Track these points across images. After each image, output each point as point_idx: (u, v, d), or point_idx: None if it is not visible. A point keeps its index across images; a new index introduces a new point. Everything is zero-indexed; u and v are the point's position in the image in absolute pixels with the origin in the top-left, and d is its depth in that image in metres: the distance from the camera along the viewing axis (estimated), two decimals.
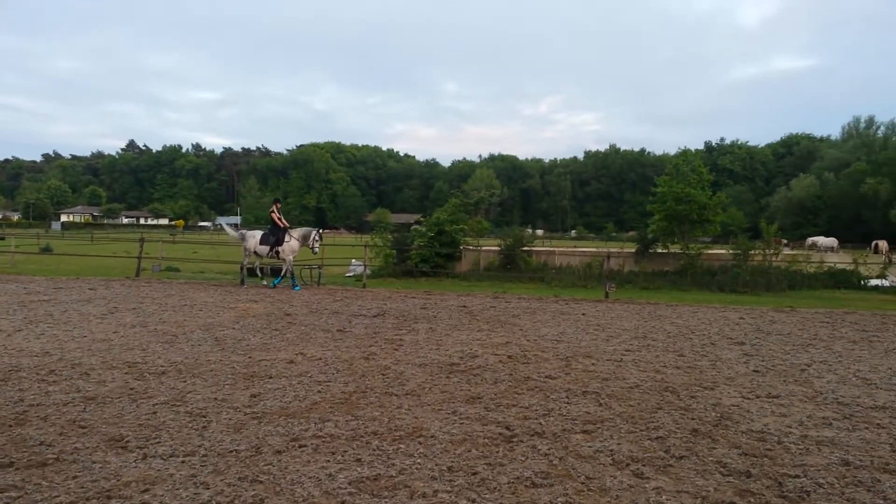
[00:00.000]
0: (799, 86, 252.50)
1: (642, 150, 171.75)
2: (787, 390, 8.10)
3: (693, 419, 6.70)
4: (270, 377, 8.21)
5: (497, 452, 5.60)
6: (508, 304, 16.79)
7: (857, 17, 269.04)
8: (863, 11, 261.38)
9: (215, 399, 7.17)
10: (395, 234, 28.37)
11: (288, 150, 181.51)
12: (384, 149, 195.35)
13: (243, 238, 21.20)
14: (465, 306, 16.11)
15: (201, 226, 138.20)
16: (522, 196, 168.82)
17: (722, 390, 8.03)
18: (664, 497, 4.71)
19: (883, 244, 48.95)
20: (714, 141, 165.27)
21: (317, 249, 21.46)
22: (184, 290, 18.46)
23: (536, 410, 6.93)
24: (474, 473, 5.10)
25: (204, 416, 6.52)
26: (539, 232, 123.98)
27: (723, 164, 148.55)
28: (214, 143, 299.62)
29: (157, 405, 6.88)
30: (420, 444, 5.79)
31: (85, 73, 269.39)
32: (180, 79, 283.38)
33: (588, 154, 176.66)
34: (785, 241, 63.52)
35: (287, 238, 20.41)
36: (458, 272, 25.57)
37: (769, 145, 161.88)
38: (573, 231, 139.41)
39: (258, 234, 21.03)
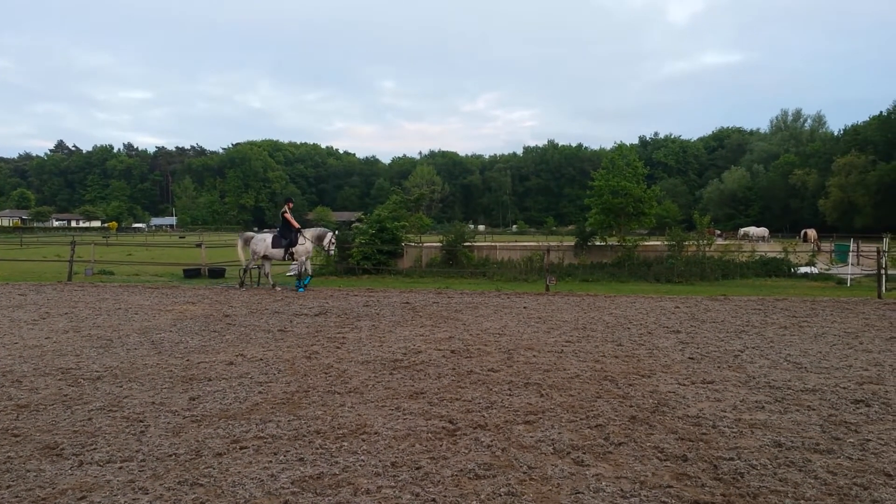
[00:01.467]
0: (728, 80, 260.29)
1: (580, 145, 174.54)
2: (721, 376, 8.34)
3: (631, 406, 6.85)
4: (210, 379, 8.07)
5: (440, 446, 5.63)
6: (451, 300, 16.85)
7: (780, 14, 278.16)
8: (785, 7, 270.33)
9: (153, 403, 7.01)
10: (336, 232, 28.16)
11: (224, 149, 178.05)
12: (323, 146, 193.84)
13: (246, 242, 20.59)
14: (407, 303, 16.10)
15: (135, 227, 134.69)
16: (464, 192, 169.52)
17: (659, 378, 8.22)
18: (604, 483, 4.80)
19: (811, 233, 50.75)
20: (648, 135, 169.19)
21: (332, 251, 21.06)
22: (118, 294, 17.98)
23: (479, 403, 6.98)
24: (418, 468, 5.12)
25: (141, 421, 6.38)
26: (481, 227, 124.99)
27: (657, 157, 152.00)
28: (147, 142, 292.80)
29: (93, 411, 6.70)
30: (363, 441, 5.77)
31: (10, 73, 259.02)
32: (110, 78, 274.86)
33: (527, 149, 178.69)
34: (718, 232, 65.41)
35: (301, 240, 19.78)
36: (400, 269, 25.57)
37: (701, 139, 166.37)
38: (514, 226, 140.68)
39: (268, 237, 20.27)
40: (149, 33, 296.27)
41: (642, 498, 4.55)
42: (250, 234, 21.52)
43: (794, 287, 20.94)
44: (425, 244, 27.68)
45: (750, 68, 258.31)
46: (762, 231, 68.42)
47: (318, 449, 5.57)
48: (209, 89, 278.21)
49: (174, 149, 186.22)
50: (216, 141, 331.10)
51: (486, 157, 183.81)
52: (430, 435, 5.92)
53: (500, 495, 4.62)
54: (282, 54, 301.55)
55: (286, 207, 20.45)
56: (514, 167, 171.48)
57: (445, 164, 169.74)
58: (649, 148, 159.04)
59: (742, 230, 70.82)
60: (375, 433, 5.97)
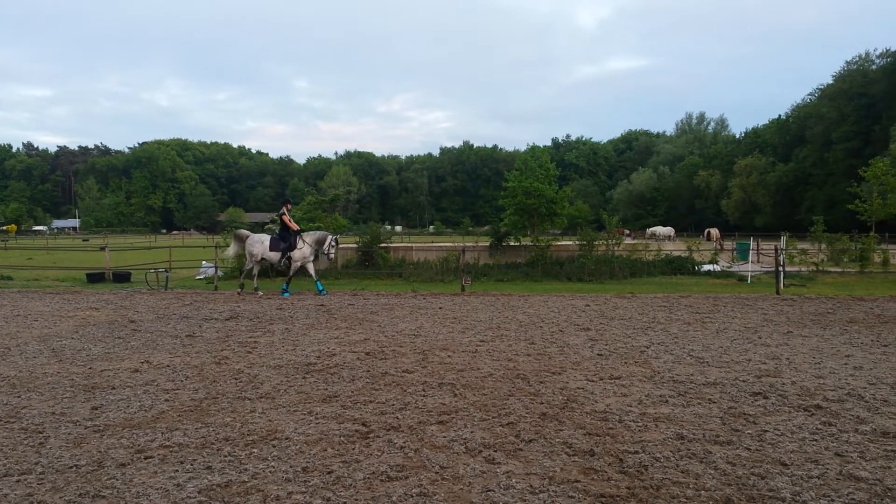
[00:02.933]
0: (635, 84, 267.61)
1: (495, 147, 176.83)
2: (627, 371, 8.60)
3: (542, 403, 6.98)
4: (113, 388, 7.78)
5: (353, 449, 5.60)
6: (367, 301, 16.77)
7: (684, 21, 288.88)
8: (689, 15, 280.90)
9: (53, 413, 6.71)
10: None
11: (130, 149, 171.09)
12: (235, 146, 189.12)
13: (239, 241, 19.56)
14: (322, 305, 15.93)
15: (36, 230, 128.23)
16: (380, 192, 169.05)
17: (569, 375, 8.41)
18: (514, 480, 4.88)
19: (714, 231, 52.91)
20: (561, 137, 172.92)
21: (332, 255, 20.14)
22: (17, 300, 17.10)
23: (393, 405, 6.98)
24: (329, 472, 5.08)
25: (41, 432, 6.10)
26: (398, 228, 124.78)
27: (569, 159, 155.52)
28: (48, 141, 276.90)
29: None
30: (274, 447, 5.68)
31: None
32: (7, 75, 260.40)
33: (443, 150, 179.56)
34: (627, 232, 67.38)
35: (300, 244, 18.99)
36: (315, 270, 25.21)
37: (611, 141, 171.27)
38: (431, 226, 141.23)
39: (265, 238, 19.28)
40: (49, 29, 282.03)
41: (551, 493, 4.65)
42: (245, 232, 20.43)
43: (698, 284, 21.77)
44: (341, 245, 27.42)
45: (656, 73, 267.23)
46: (668, 230, 70.99)
47: (226, 456, 5.45)
48: (113, 87, 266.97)
49: (77, 148, 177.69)
50: (122, 140, 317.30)
51: (403, 157, 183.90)
52: (342, 438, 5.87)
53: (412, 496, 4.64)
54: (190, 52, 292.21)
55: (284, 209, 19.51)
56: (430, 168, 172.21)
57: (362, 165, 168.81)
58: (562, 150, 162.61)
59: (650, 230, 73.21)
60: (286, 438, 5.88)
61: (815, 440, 5.81)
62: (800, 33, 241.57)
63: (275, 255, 18.87)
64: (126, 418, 6.55)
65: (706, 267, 26.03)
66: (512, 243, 28.38)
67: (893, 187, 33.75)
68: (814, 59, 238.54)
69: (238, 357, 9.65)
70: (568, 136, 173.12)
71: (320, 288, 18.87)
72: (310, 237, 19.33)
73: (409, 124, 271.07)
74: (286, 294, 18.38)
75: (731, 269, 25.79)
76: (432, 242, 43.08)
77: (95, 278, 23.09)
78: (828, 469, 5.10)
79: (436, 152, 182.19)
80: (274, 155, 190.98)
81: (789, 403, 7.02)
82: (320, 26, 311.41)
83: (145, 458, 5.44)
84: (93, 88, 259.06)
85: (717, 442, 5.78)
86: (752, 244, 27.88)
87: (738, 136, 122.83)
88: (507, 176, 29.67)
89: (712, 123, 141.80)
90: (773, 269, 21.01)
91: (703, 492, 4.67)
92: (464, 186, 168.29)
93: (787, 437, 5.90)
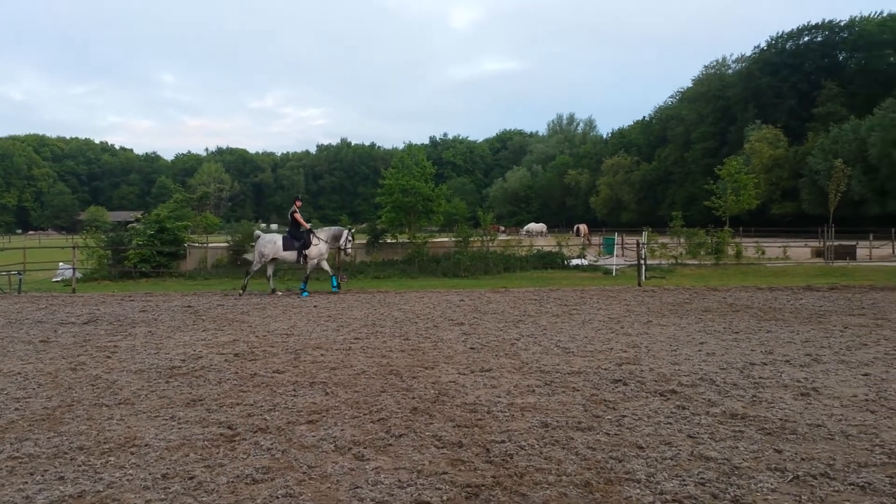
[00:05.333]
0: (509, 85, 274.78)
1: (373, 144, 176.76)
2: (498, 363, 8.79)
3: (413, 398, 7.02)
4: None
5: (217, 453, 5.42)
6: (238, 301, 16.31)
7: (555, 26, 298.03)
8: (559, 20, 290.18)
9: None
10: (110, 233, 26.25)
11: None
12: (97, 142, 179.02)
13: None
14: (189, 306, 15.35)
15: None
16: (255, 190, 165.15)
17: (441, 369, 8.50)
18: (382, 476, 4.88)
19: (583, 227, 55.12)
20: (438, 136, 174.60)
21: (349, 251, 19.53)
22: None
23: (261, 406, 6.81)
24: (191, 477, 4.89)
25: None
26: (273, 226, 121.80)
27: (447, 157, 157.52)
28: None
29: None
30: (132, 454, 5.41)
31: None
32: None
33: (321, 147, 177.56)
34: (502, 228, 68.95)
35: (315, 241, 18.26)
36: (183, 271, 24.30)
37: (486, 140, 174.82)
38: (309, 224, 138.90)
39: (277, 238, 18.30)
40: None
41: (418, 486, 4.68)
42: (257, 232, 19.58)
43: (567, 278, 22.57)
44: (211, 245, 26.57)
45: (528, 75, 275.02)
46: (541, 227, 73.21)
47: (80, 466, 5.15)
48: None
49: None
50: None
51: (279, 154, 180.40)
52: (206, 443, 5.68)
53: (278, 497, 4.54)
54: (45, 44, 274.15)
55: (295, 206, 18.81)
56: (307, 165, 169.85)
57: (235, 162, 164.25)
58: (439, 148, 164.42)
59: (525, 228, 75.21)
60: (146, 445, 5.62)
61: (670, 423, 6.14)
62: (664, 38, 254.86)
63: (290, 255, 18.25)
64: None
65: (575, 261, 27.06)
66: (389, 241, 28.43)
67: (746, 185, 36.25)
68: (677, 63, 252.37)
69: (96, 362, 9.13)
70: (445, 134, 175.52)
71: (335, 284, 18.51)
72: (324, 233, 19.01)
73: (284, 121, 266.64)
74: (305, 294, 17.70)
75: (598, 263, 26.95)
76: None
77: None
78: (680, 450, 5.39)
79: (313, 150, 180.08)
80: (139, 151, 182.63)
81: (647, 389, 7.38)
82: (184, 18, 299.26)
83: None
84: None
85: (579, 428, 6.00)
86: (618, 239, 29.25)
87: (605, 136, 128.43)
88: (384, 174, 29.71)
89: (581, 124, 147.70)
90: (636, 262, 22.09)
91: (563, 477, 4.84)
92: (341, 184, 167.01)
93: (643, 422, 6.20)
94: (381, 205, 29.43)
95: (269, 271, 18.80)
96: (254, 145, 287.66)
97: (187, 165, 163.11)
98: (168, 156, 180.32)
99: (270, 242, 18.32)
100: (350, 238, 19.42)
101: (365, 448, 5.50)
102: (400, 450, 5.46)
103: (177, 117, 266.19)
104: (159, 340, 10.86)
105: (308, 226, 18.88)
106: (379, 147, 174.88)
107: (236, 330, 11.93)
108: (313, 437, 5.82)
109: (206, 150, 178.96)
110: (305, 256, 18.23)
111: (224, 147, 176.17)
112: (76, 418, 6.46)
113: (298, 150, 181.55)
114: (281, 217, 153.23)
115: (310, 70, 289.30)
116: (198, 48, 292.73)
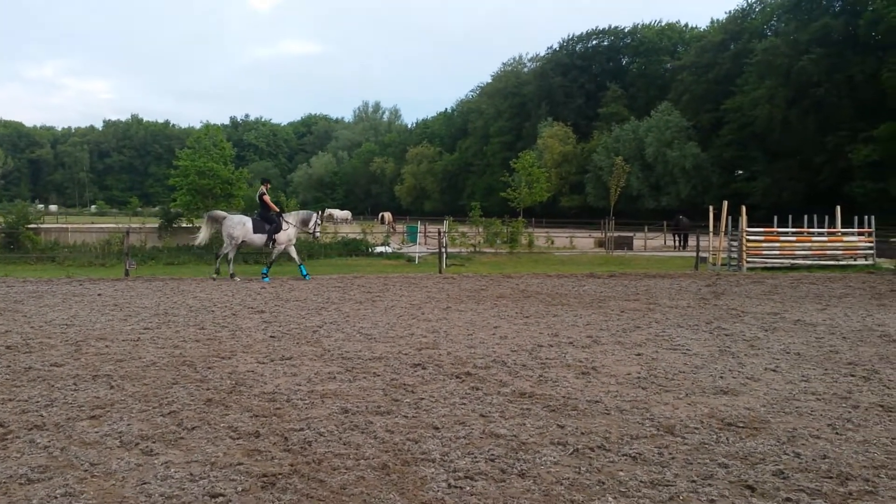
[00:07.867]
0: (312, 69, 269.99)
1: (167, 122, 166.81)
2: (299, 351, 8.69)
3: (208, 389, 6.76)
4: None
5: None
6: (10, 289, 14.78)
7: (356, 11, 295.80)
8: (360, 6, 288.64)
9: None
10: (320, 213, 22.90)
11: None
12: None
13: (214, 222, 17.05)
14: None
15: None
16: (32, 167, 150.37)
17: (239, 358, 8.25)
18: (173, 470, 4.66)
19: (388, 215, 55.79)
20: (239, 117, 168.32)
21: (318, 234, 18.43)
22: None
23: (38, 402, 6.25)
24: None
25: None
26: (53, 207, 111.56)
27: (248, 139, 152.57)
28: None
29: None
30: None
31: None
32: None
33: (108, 123, 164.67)
34: None
35: (285, 225, 17.33)
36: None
37: (291, 124, 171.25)
38: (94, 206, 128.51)
39: (246, 220, 17.15)
40: None
41: (211, 479, 4.52)
42: (221, 213, 17.66)
43: (371, 265, 22.74)
44: None
45: (330, 60, 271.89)
46: (345, 213, 73.23)
47: None
48: None
49: None
50: None
51: (60, 129, 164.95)
52: None
53: (57, 497, 4.21)
54: None
55: (263, 188, 17.61)
56: (92, 142, 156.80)
57: (9, 136, 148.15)
58: (240, 129, 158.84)
59: (328, 212, 74.68)
60: None
61: (464, 404, 6.41)
62: (463, 35, 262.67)
63: (259, 238, 17.20)
64: None
65: (379, 249, 27.30)
66: (185, 225, 27.04)
67: (538, 178, 38.46)
68: (478, 59, 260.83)
69: None
70: (247, 115, 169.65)
71: (304, 272, 17.32)
72: (294, 217, 18.06)
73: (65, 93, 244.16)
74: (266, 279, 16.64)
75: (402, 251, 27.39)
76: (92, 223, 39.37)
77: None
78: (473, 429, 5.65)
79: (98, 125, 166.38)
80: None
81: (444, 372, 7.65)
82: None
83: None
84: None
85: (379, 412, 6.09)
86: (420, 227, 29.89)
87: (410, 126, 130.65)
88: (179, 154, 28.17)
89: (387, 113, 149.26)
90: (438, 250, 22.73)
91: (362, 461, 4.89)
92: (132, 163, 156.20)
93: (440, 403, 6.41)
94: (175, 187, 27.88)
95: (231, 255, 17.45)
96: (31, 118, 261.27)
97: None
98: None
99: (240, 224, 17.15)
100: (318, 221, 18.93)
101: (154, 442, 5.22)
102: (192, 443, 5.24)
103: None
104: None
105: (277, 209, 18.11)
106: (174, 125, 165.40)
107: (8, 320, 10.82)
108: (96, 433, 5.43)
109: None
110: (274, 241, 17.36)
111: None
112: None
113: (83, 126, 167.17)
114: (63, 197, 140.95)
115: (94, 40, 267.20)
116: None
